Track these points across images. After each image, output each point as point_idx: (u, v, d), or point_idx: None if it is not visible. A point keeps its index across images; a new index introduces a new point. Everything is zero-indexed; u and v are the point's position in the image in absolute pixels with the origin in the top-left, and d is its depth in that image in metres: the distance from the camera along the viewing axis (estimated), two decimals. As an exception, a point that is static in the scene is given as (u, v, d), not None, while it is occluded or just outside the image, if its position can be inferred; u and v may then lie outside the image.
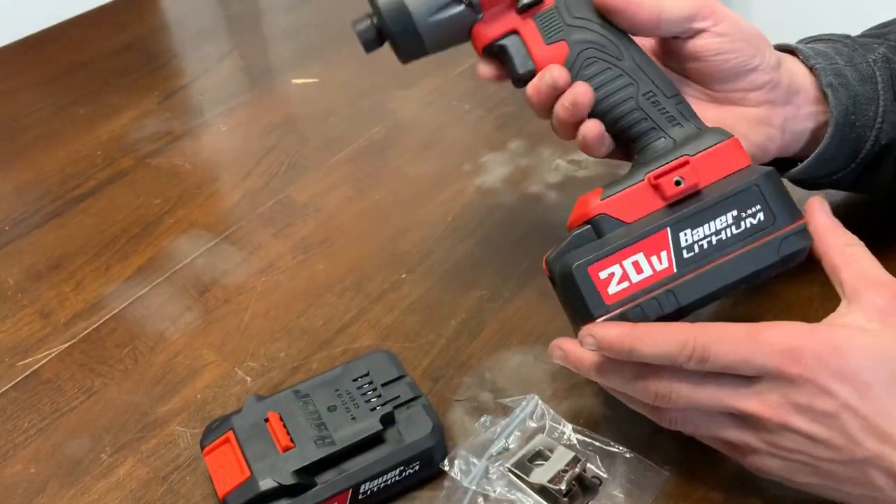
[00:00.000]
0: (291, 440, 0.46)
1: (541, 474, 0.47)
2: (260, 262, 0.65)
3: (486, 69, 0.49)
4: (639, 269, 0.42)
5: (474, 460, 0.49)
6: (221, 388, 0.55)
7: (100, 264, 0.66)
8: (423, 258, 0.64)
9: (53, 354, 0.58)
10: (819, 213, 0.44)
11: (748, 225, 0.42)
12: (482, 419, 0.51)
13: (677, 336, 0.40)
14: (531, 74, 0.47)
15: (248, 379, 0.56)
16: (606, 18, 0.47)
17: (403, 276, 0.63)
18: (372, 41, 0.48)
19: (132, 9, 1.05)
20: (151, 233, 0.69)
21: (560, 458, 0.48)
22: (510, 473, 0.48)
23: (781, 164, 0.52)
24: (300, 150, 0.77)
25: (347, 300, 0.61)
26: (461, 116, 0.80)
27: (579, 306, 0.43)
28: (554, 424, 0.51)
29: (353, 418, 0.47)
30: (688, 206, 0.43)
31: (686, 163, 0.43)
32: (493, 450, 0.49)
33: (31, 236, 0.69)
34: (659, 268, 0.42)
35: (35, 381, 0.57)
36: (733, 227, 0.42)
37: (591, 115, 0.47)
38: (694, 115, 0.46)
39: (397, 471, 0.47)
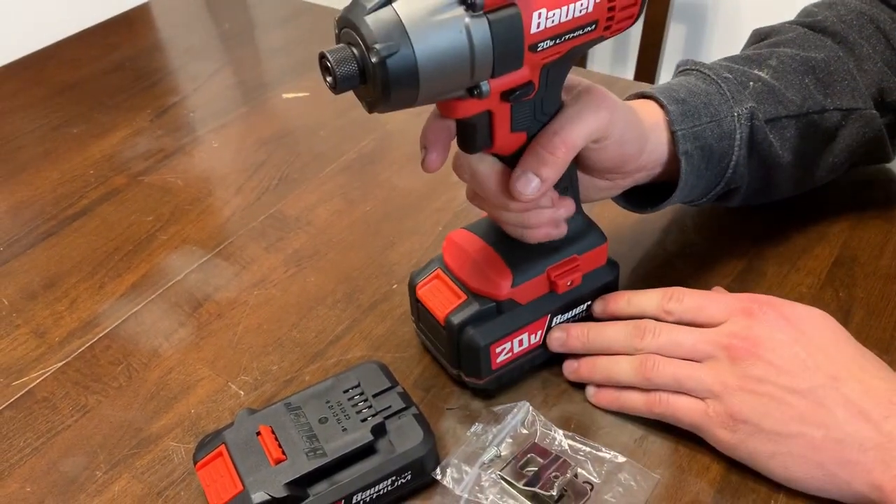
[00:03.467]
0: (283, 453, 0.46)
1: (532, 481, 0.48)
2: (252, 277, 0.66)
3: (435, 163, 0.47)
4: (521, 343, 0.53)
5: (466, 468, 0.49)
6: (215, 402, 0.56)
7: (94, 282, 0.66)
8: (414, 268, 0.64)
9: (48, 373, 0.59)
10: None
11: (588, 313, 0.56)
12: (473, 427, 0.52)
13: (660, 290, 0.53)
14: (483, 150, 0.47)
15: (242, 393, 0.56)
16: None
17: (394, 286, 0.63)
18: (351, 79, 0.39)
19: (124, 29, 1.06)
20: (144, 249, 0.69)
21: (551, 465, 0.48)
22: (502, 481, 0.48)
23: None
24: (291, 164, 0.78)
25: (339, 312, 0.62)
26: (450, 127, 0.80)
27: (474, 368, 0.52)
28: (545, 431, 0.51)
29: (345, 430, 0.48)
30: (565, 296, 0.53)
31: (576, 265, 0.53)
32: (485, 457, 0.50)
33: (25, 256, 0.70)
34: (533, 341, 0.54)
35: (30, 401, 0.57)
36: (584, 312, 0.55)
37: None
38: (581, 207, 0.53)
39: (389, 481, 0.47)
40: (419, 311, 0.55)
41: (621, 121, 0.49)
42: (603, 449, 0.50)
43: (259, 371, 0.58)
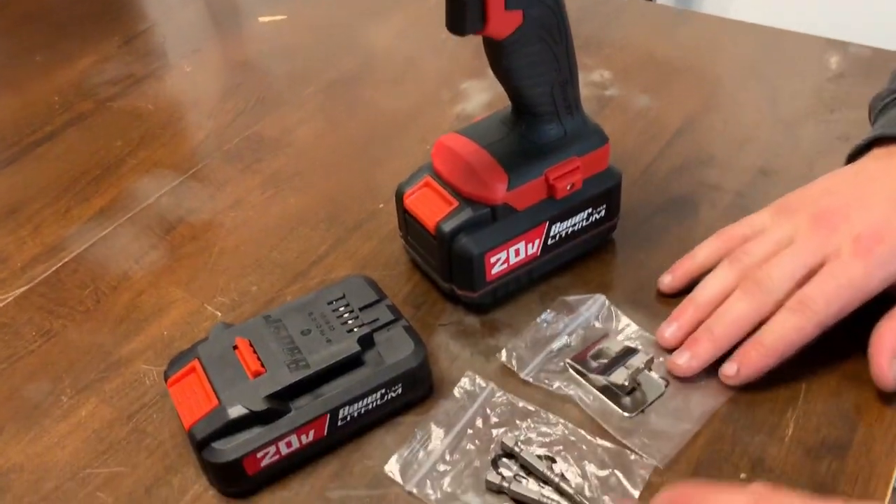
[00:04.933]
0: (262, 365, 0.42)
1: (603, 370, 0.45)
2: (228, 199, 0.61)
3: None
4: (517, 254, 0.49)
5: (532, 354, 0.47)
6: (189, 324, 0.52)
7: (59, 207, 0.62)
8: (402, 186, 0.61)
9: (10, 299, 0.55)
10: None
11: (595, 219, 0.51)
12: (544, 314, 0.49)
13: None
14: (475, 33, 0.43)
15: (219, 314, 0.52)
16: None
17: (381, 206, 0.59)
18: None
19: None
20: (113, 174, 0.65)
21: (625, 357, 0.45)
22: (571, 369, 0.46)
23: None
24: (268, 86, 0.73)
25: (322, 232, 0.58)
26: (437, 46, 0.76)
27: (467, 280, 0.48)
28: (621, 325, 0.49)
29: (329, 341, 0.44)
30: (565, 202, 0.49)
31: (577, 167, 0.49)
32: (555, 345, 0.48)
33: (-15, 183, 0.65)
34: (530, 252, 0.49)
35: (-10, 327, 0.53)
36: (584, 221, 0.51)
37: (510, 89, 0.47)
38: (580, 105, 0.50)
39: (378, 394, 0.43)
40: (407, 222, 0.51)
41: None
42: None
43: (237, 292, 0.54)
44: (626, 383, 0.44)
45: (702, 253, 0.50)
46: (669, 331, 0.47)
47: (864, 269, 0.43)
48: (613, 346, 0.46)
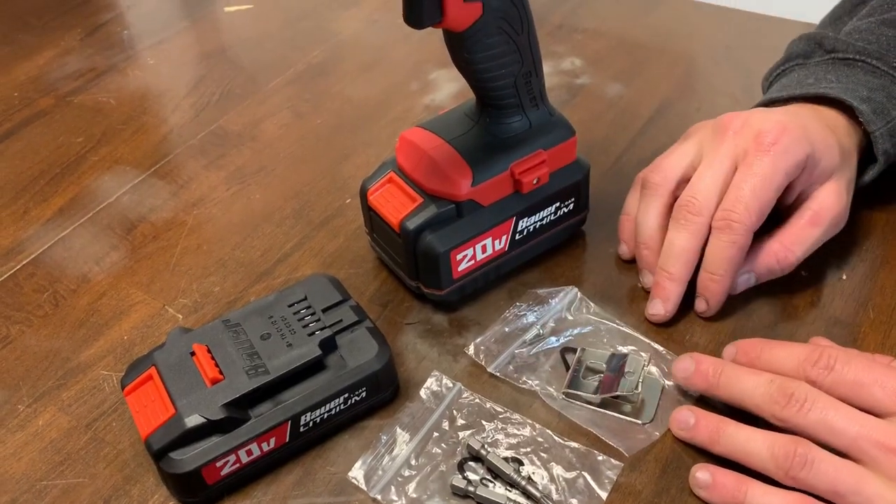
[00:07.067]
0: (220, 372, 0.41)
1: (607, 387, 0.44)
2: (191, 196, 0.60)
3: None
4: (484, 250, 0.48)
5: (501, 348, 0.47)
6: (150, 327, 0.50)
7: (17, 208, 0.60)
8: (369, 180, 0.59)
9: (-35, 305, 0.53)
10: None
11: (563, 212, 0.50)
12: (514, 307, 0.49)
13: (804, 348, 0.42)
14: (433, 25, 0.42)
15: (180, 316, 0.51)
16: None
17: (348, 200, 0.58)
18: None
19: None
20: (73, 172, 0.63)
21: (615, 363, 0.45)
22: (566, 397, 0.44)
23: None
24: (233, 78, 0.71)
25: (287, 229, 0.56)
26: (407, 34, 0.74)
27: (433, 278, 0.47)
28: (593, 318, 0.48)
29: (290, 345, 0.43)
30: (531, 197, 0.48)
31: (543, 161, 0.47)
32: (527, 336, 0.47)
33: (-60, 183, 0.63)
34: (497, 248, 0.48)
35: (-55, 334, 0.51)
36: (552, 215, 0.50)
37: (473, 82, 0.46)
38: (546, 96, 0.48)
39: (341, 399, 0.42)
40: (372, 219, 0.50)
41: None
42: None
43: (199, 293, 0.52)
44: (638, 390, 0.43)
45: (631, 204, 0.51)
46: (622, 249, 0.51)
47: (771, 162, 0.45)
48: (595, 357, 0.45)
